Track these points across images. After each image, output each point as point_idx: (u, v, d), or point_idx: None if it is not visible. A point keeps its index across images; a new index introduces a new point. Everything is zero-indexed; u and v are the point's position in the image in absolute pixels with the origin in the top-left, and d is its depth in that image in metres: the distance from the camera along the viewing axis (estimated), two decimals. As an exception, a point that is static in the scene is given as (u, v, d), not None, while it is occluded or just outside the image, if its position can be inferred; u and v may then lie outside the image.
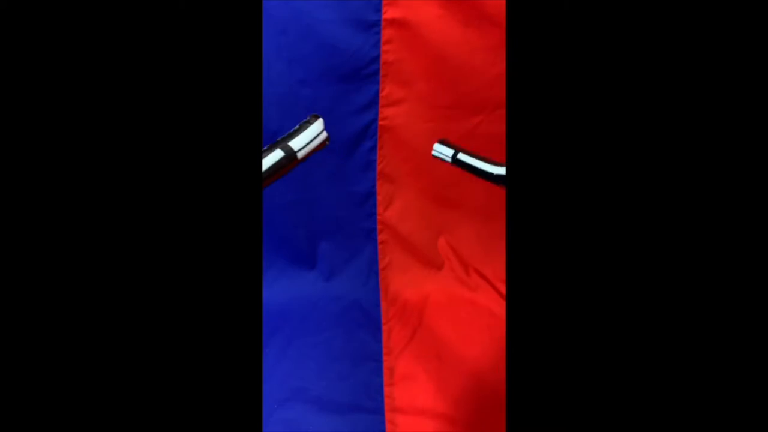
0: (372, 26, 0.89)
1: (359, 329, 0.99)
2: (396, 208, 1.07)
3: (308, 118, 0.49)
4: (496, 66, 0.91)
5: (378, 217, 1.07)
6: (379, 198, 1.05)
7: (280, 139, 0.47)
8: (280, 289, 1.04)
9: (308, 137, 0.47)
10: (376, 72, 0.93)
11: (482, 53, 0.90)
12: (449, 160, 0.58)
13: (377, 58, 0.92)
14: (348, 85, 0.93)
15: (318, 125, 0.49)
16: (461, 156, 0.58)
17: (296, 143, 0.46)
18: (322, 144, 0.49)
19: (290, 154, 0.46)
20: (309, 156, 0.48)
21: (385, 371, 0.91)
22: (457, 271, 1.09)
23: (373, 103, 0.96)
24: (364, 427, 0.82)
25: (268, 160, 0.45)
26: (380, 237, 1.09)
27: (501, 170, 0.56)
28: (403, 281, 1.08)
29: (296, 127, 0.48)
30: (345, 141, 0.98)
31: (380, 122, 0.98)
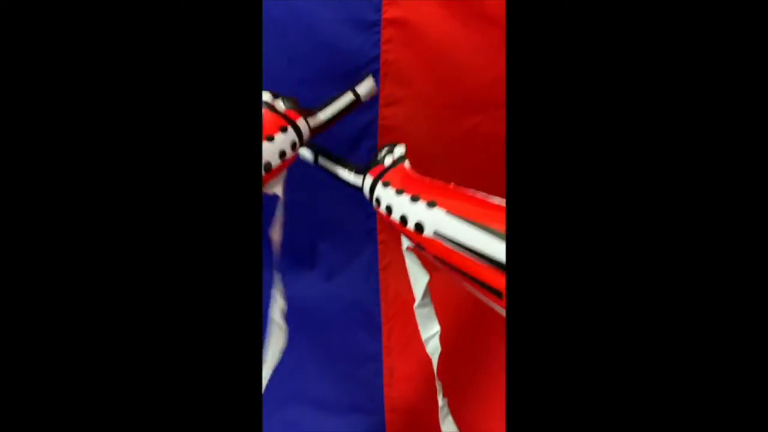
0: (372, 26, 0.89)
1: (359, 329, 0.99)
2: (396, 208, 1.06)
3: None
4: (496, 66, 0.90)
5: (378, 217, 1.07)
6: (379, 198, 1.05)
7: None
8: (280, 289, 1.04)
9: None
10: (376, 72, 0.93)
11: (482, 53, 0.90)
12: (312, 163, 0.53)
13: (377, 57, 0.92)
14: (348, 84, 0.93)
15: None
16: (321, 161, 0.55)
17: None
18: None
19: (357, 97, 0.66)
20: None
21: (385, 371, 0.91)
22: (457, 270, 1.09)
23: (373, 102, 0.96)
24: (364, 428, 0.82)
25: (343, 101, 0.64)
26: (380, 237, 1.08)
27: (358, 180, 0.49)
28: (403, 281, 1.08)
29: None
30: (345, 140, 0.98)
31: (380, 122, 0.97)
